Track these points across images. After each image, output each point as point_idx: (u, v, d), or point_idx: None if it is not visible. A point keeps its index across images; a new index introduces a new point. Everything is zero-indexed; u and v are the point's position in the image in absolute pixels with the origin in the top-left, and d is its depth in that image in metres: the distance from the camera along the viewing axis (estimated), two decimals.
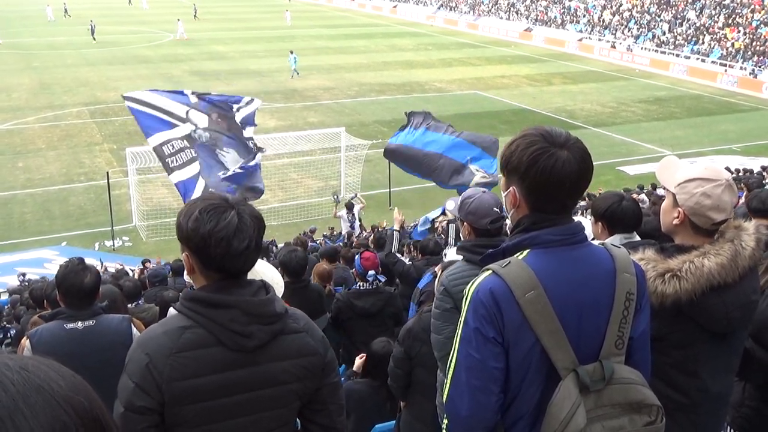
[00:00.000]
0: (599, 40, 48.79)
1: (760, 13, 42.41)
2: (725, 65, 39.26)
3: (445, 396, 1.99)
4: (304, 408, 2.19)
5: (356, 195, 18.10)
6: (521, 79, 38.66)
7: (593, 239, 2.74)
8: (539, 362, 1.89)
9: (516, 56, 46.64)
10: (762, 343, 2.88)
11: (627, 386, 1.91)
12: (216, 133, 10.10)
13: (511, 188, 1.99)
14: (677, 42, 44.13)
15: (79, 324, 3.40)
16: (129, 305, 5.78)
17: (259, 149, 10.99)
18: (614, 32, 49.01)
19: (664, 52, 43.72)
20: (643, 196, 14.48)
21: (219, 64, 40.83)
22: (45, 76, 36.15)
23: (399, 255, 8.96)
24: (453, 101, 32.52)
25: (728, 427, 3.03)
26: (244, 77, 37.08)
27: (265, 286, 2.10)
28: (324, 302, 6.02)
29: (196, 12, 60.72)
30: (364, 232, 15.87)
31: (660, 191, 15.28)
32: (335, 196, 17.01)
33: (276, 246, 13.33)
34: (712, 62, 40.30)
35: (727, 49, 40.78)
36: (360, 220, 16.86)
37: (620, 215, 3.32)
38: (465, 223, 3.49)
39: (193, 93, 10.73)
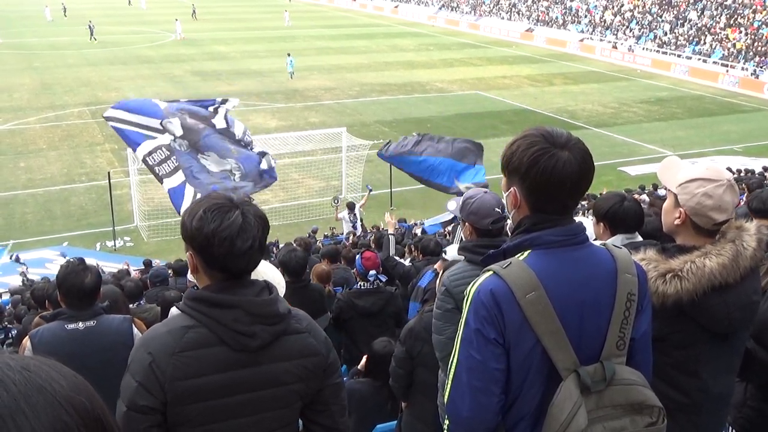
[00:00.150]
0: (600, 40, 48.78)
1: (761, 13, 42.38)
2: (727, 66, 39.24)
3: (446, 397, 1.99)
4: (306, 408, 2.19)
5: (369, 189, 18.00)
6: (522, 80, 38.65)
7: (595, 240, 2.73)
8: (540, 363, 1.89)
9: (517, 56, 46.64)
10: (764, 343, 2.88)
11: (628, 387, 1.91)
12: (193, 138, 10.12)
13: (512, 189, 1.99)
14: (679, 42, 44.11)
15: (80, 324, 3.40)
16: (130, 305, 5.78)
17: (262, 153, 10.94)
18: (616, 33, 49.00)
19: (665, 53, 43.71)
20: (644, 197, 14.47)
21: (220, 64, 40.86)
22: (46, 76, 36.19)
23: (398, 258, 8.97)
24: (454, 101, 32.53)
25: (730, 428, 3.03)
26: (246, 77, 37.10)
27: (268, 287, 2.11)
28: (325, 302, 6.03)
29: (194, 12, 60.66)
30: (365, 232, 15.86)
31: (660, 191, 15.28)
32: (335, 201, 17.02)
33: (277, 246, 13.33)
34: (714, 63, 40.28)
35: (728, 49, 40.76)
36: (361, 220, 16.86)
37: (622, 216, 3.32)
38: (466, 224, 3.49)
39: (163, 101, 10.77)
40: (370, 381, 4.83)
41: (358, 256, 6.15)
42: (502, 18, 58.86)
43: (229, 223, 1.97)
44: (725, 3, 45.01)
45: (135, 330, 3.51)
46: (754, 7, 43.29)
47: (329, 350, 2.19)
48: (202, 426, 2.02)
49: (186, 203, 9.59)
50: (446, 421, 2.02)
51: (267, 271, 3.12)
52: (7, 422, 0.79)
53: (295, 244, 10.36)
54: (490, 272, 1.93)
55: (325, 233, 16.68)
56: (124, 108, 10.38)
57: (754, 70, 37.69)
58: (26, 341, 3.39)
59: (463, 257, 3.41)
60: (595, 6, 53.48)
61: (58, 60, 40.72)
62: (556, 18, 54.83)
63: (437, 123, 27.07)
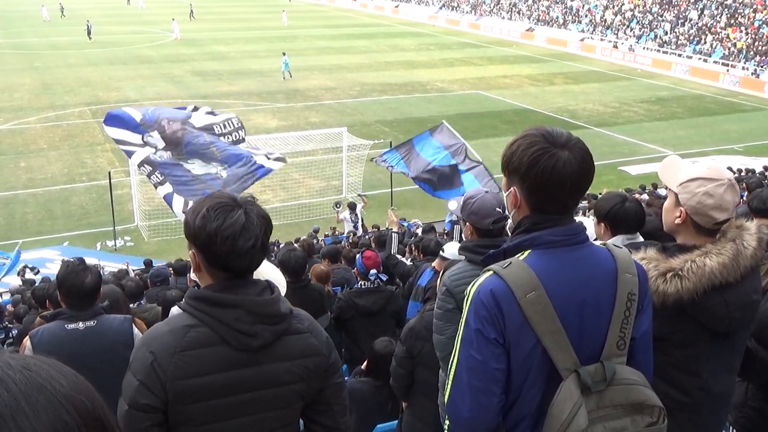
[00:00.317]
0: (601, 40, 48.76)
1: (762, 12, 42.36)
2: (727, 65, 39.23)
3: (446, 397, 1.99)
4: (307, 408, 2.19)
5: (359, 195, 18.11)
6: (523, 79, 38.64)
7: (595, 240, 2.73)
8: (540, 363, 1.89)
9: (518, 56, 46.63)
10: (764, 343, 2.88)
11: (629, 387, 1.91)
12: (175, 149, 10.19)
13: (512, 189, 1.99)
14: (679, 42, 44.10)
15: (80, 324, 3.40)
16: (131, 305, 5.78)
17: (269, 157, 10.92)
18: (616, 32, 48.98)
19: (666, 52, 43.69)
20: (645, 196, 14.46)
21: (221, 64, 40.86)
22: (47, 76, 36.19)
23: (399, 256, 8.97)
24: (455, 101, 32.52)
25: (731, 428, 3.03)
26: (246, 77, 37.09)
27: (270, 286, 2.11)
28: (325, 302, 6.02)
29: (192, 12, 60.53)
30: (366, 233, 15.87)
31: (660, 191, 15.27)
32: (337, 206, 17.03)
33: (277, 246, 13.34)
34: (714, 62, 40.27)
35: (729, 49, 40.74)
36: (362, 220, 16.87)
37: (623, 216, 3.32)
38: (467, 224, 3.48)
39: (138, 110, 10.83)
40: (371, 381, 4.83)
41: (358, 256, 6.16)
42: (503, 18, 58.85)
43: (232, 222, 1.97)
44: (726, 2, 44.99)
45: (135, 330, 3.51)
46: (754, 6, 43.27)
47: (330, 350, 2.19)
48: (203, 425, 2.02)
49: (177, 209, 9.72)
50: (447, 422, 2.02)
51: (268, 271, 3.12)
52: (7, 421, 0.79)
53: (297, 245, 10.38)
54: (491, 272, 1.93)
55: (326, 233, 16.69)
56: (110, 125, 10.58)
57: (755, 70, 37.67)
58: (26, 341, 3.39)
59: (463, 257, 3.41)
60: (596, 5, 53.47)
61: (58, 60, 40.72)
62: (557, 18, 54.82)
63: (438, 123, 26.99)
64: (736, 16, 43.52)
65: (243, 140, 10.87)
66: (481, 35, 56.46)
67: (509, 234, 2.20)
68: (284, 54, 36.79)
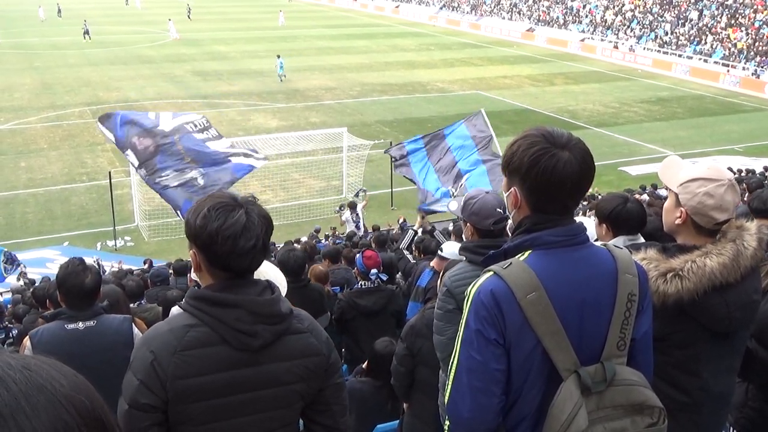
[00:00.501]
0: (601, 40, 48.77)
1: (762, 13, 42.37)
2: (728, 65, 39.23)
3: (446, 397, 1.99)
4: (307, 408, 2.19)
5: (362, 191, 18.09)
6: (523, 80, 38.65)
7: (596, 241, 2.73)
8: (541, 364, 1.89)
9: (518, 56, 46.63)
10: (764, 343, 2.88)
11: (629, 388, 1.91)
12: (150, 165, 10.34)
13: (512, 189, 1.99)
14: (680, 42, 44.10)
15: (80, 324, 3.40)
16: (131, 305, 5.78)
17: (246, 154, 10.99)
18: (616, 32, 48.98)
19: (666, 53, 43.69)
20: (645, 197, 14.46)
21: (221, 64, 40.86)
22: (47, 76, 36.20)
23: (406, 252, 9.00)
24: (455, 101, 32.51)
25: (731, 428, 3.03)
26: (246, 77, 37.10)
27: (270, 286, 2.11)
28: (325, 302, 6.02)
29: (189, 12, 60.39)
30: (367, 233, 15.87)
31: (660, 191, 15.27)
32: (340, 208, 17.04)
33: (275, 246, 13.33)
34: (715, 62, 40.27)
35: (729, 49, 40.74)
36: (363, 219, 16.88)
37: (625, 217, 3.32)
38: (468, 224, 3.48)
39: (112, 130, 10.95)
40: (371, 381, 4.83)
41: (358, 255, 6.15)
42: (503, 18, 58.86)
43: (233, 221, 1.97)
44: (726, 3, 44.99)
45: (135, 330, 3.51)
46: (755, 6, 43.27)
47: (330, 350, 2.19)
48: (203, 425, 2.02)
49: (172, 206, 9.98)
50: (447, 422, 2.02)
51: (269, 271, 3.11)
52: (8, 421, 0.79)
53: (299, 247, 10.38)
54: (491, 273, 1.92)
55: (326, 233, 16.68)
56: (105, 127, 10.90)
57: (755, 70, 37.66)
58: (26, 341, 3.40)
59: (463, 257, 3.41)
60: (596, 6, 53.47)
61: (59, 60, 40.74)
62: (557, 18, 54.82)
63: (438, 123, 26.99)
64: (737, 16, 43.52)
65: (220, 137, 10.98)
66: (482, 35, 56.46)
67: (509, 234, 2.19)
68: (279, 56, 36.66)
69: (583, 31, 51.20)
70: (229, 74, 37.85)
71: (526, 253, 1.94)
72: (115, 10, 66.58)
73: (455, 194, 12.00)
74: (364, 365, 5.04)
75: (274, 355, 2.05)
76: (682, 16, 46.65)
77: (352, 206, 16.73)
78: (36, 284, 10.72)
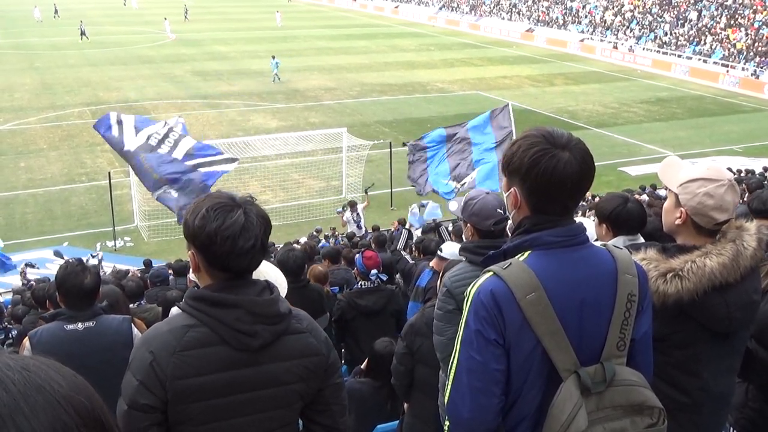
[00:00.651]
0: (601, 40, 48.78)
1: (762, 13, 42.37)
2: (727, 66, 39.23)
3: (446, 398, 1.99)
4: (306, 408, 2.19)
5: (365, 191, 18.12)
6: (523, 80, 38.66)
7: (596, 241, 2.73)
8: (540, 364, 1.89)
9: (518, 57, 46.64)
10: (764, 343, 2.88)
11: (629, 388, 1.91)
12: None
13: (512, 189, 1.99)
14: (679, 43, 44.11)
15: (80, 325, 3.40)
16: (131, 305, 5.78)
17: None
18: (616, 33, 48.99)
19: (666, 53, 43.70)
20: (644, 197, 14.46)
21: (221, 64, 40.87)
22: (47, 76, 36.20)
23: (404, 252, 9.00)
24: (455, 101, 32.53)
25: (731, 429, 3.03)
26: (246, 77, 37.10)
27: (269, 286, 2.11)
28: (324, 302, 6.02)
29: (186, 12, 60.34)
30: (367, 233, 15.88)
31: (660, 191, 15.27)
32: (343, 209, 17.04)
33: (274, 246, 13.32)
34: (714, 63, 40.28)
35: (729, 49, 40.76)
36: (363, 219, 16.88)
37: (625, 217, 3.32)
38: (468, 225, 3.48)
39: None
40: (370, 381, 4.83)
41: (358, 256, 6.15)
42: (503, 18, 58.86)
43: (231, 222, 1.97)
44: (725, 3, 45.01)
45: (134, 330, 3.51)
46: (754, 7, 43.28)
47: (330, 350, 2.19)
48: (202, 425, 2.02)
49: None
50: (447, 422, 2.02)
51: (269, 272, 3.12)
52: (6, 422, 0.79)
53: (298, 247, 10.39)
54: (490, 273, 1.92)
55: (326, 233, 16.69)
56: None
57: (755, 71, 37.68)
58: (25, 341, 3.39)
59: (463, 257, 3.41)
60: (596, 6, 53.48)
61: (58, 60, 40.73)
62: (557, 18, 54.83)
63: (438, 123, 26.90)
64: (736, 16, 43.53)
65: (183, 136, 11.13)
66: (481, 36, 56.47)
67: (509, 234, 2.20)
68: (274, 57, 36.55)
69: (582, 32, 51.20)
70: (229, 74, 37.85)
71: (526, 254, 1.94)
72: (115, 10, 66.58)
73: (459, 189, 12.02)
74: (363, 366, 5.03)
75: (274, 355, 2.05)
76: (681, 17, 46.66)
77: (353, 205, 16.74)
78: (33, 283, 10.73)
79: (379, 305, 5.83)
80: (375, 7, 72.63)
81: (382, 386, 4.69)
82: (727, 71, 38.72)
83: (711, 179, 2.39)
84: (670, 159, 2.61)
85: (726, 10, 44.54)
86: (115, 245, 17.24)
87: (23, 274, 13.72)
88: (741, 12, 43.68)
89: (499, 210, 3.37)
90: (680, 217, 2.44)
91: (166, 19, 51.38)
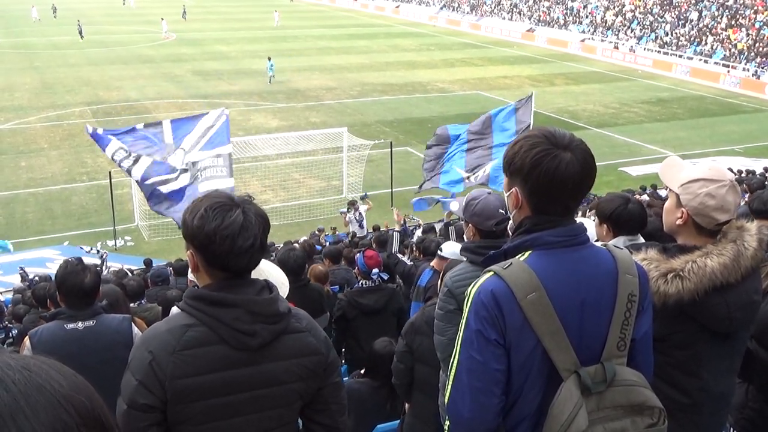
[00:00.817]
0: (602, 40, 48.77)
1: (763, 14, 42.36)
2: (728, 66, 39.22)
3: (447, 397, 1.99)
4: (306, 408, 2.19)
5: (364, 198, 18.14)
6: (524, 80, 38.66)
7: (596, 241, 2.73)
8: (541, 364, 1.89)
9: (518, 57, 46.63)
10: (765, 344, 2.88)
11: (629, 388, 1.91)
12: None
13: (513, 189, 1.98)
14: (680, 43, 44.10)
15: (80, 324, 3.40)
16: (131, 304, 5.78)
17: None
18: (617, 33, 48.99)
19: (666, 53, 43.69)
20: (645, 197, 14.46)
21: (221, 63, 40.87)
22: (47, 75, 36.21)
23: (400, 255, 8.99)
24: (455, 101, 32.53)
25: (731, 429, 3.02)
26: (247, 77, 37.10)
27: (268, 286, 2.11)
28: (324, 302, 6.02)
29: (185, 12, 60.28)
30: (368, 233, 15.89)
31: (661, 192, 15.26)
32: (348, 210, 17.05)
33: (274, 245, 13.32)
34: (715, 63, 40.27)
35: (730, 50, 40.74)
36: (365, 219, 16.89)
37: (626, 217, 3.32)
38: (469, 225, 3.48)
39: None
40: (369, 381, 4.82)
41: (359, 255, 6.15)
42: (504, 18, 58.86)
43: (230, 221, 1.97)
44: (726, 3, 44.99)
45: (135, 329, 3.51)
46: (755, 7, 43.26)
47: (329, 349, 2.19)
48: (202, 424, 2.02)
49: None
50: (447, 422, 2.02)
51: (271, 271, 3.11)
52: (7, 422, 0.79)
53: (298, 246, 10.39)
54: (491, 273, 1.92)
55: (327, 234, 16.68)
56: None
57: (756, 71, 37.66)
58: (26, 341, 3.39)
59: (464, 257, 3.40)
60: (597, 6, 53.47)
61: (59, 59, 40.74)
62: (558, 18, 54.83)
63: (438, 123, 26.84)
64: (737, 17, 43.52)
65: (159, 130, 11.33)
66: (482, 36, 56.46)
67: (510, 234, 2.20)
68: (269, 59, 36.41)
69: (583, 32, 51.19)
70: (229, 74, 37.85)
71: (527, 254, 1.94)
72: (114, 9, 66.59)
73: (470, 182, 11.98)
74: (362, 371, 5.04)
75: (273, 355, 2.05)
76: (682, 17, 46.65)
77: (353, 204, 16.74)
78: (37, 278, 10.75)
79: (380, 304, 5.84)
80: (376, 6, 72.64)
81: (381, 386, 4.69)
82: (728, 71, 38.71)
83: (712, 180, 2.38)
84: (671, 159, 2.61)
85: (727, 11, 44.53)
86: (115, 244, 17.24)
87: (22, 277, 13.71)
88: (742, 12, 43.67)
89: (500, 210, 3.36)
90: (681, 218, 2.44)
91: (163, 19, 51.33)
